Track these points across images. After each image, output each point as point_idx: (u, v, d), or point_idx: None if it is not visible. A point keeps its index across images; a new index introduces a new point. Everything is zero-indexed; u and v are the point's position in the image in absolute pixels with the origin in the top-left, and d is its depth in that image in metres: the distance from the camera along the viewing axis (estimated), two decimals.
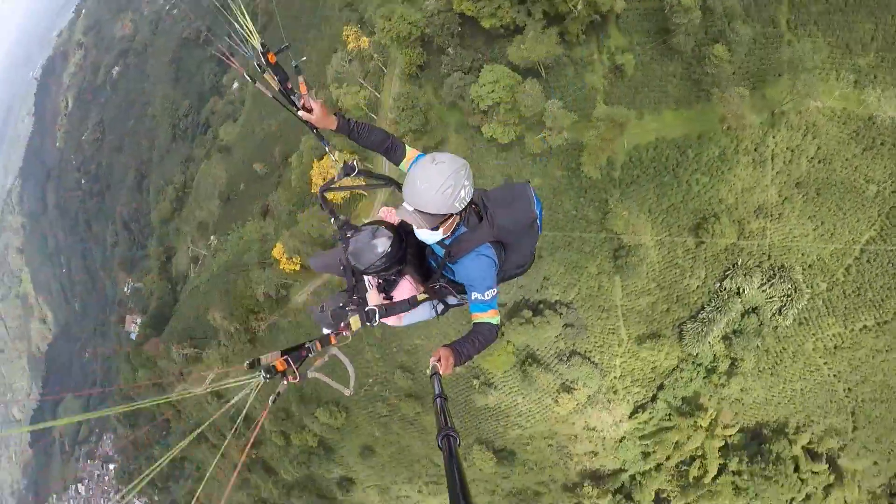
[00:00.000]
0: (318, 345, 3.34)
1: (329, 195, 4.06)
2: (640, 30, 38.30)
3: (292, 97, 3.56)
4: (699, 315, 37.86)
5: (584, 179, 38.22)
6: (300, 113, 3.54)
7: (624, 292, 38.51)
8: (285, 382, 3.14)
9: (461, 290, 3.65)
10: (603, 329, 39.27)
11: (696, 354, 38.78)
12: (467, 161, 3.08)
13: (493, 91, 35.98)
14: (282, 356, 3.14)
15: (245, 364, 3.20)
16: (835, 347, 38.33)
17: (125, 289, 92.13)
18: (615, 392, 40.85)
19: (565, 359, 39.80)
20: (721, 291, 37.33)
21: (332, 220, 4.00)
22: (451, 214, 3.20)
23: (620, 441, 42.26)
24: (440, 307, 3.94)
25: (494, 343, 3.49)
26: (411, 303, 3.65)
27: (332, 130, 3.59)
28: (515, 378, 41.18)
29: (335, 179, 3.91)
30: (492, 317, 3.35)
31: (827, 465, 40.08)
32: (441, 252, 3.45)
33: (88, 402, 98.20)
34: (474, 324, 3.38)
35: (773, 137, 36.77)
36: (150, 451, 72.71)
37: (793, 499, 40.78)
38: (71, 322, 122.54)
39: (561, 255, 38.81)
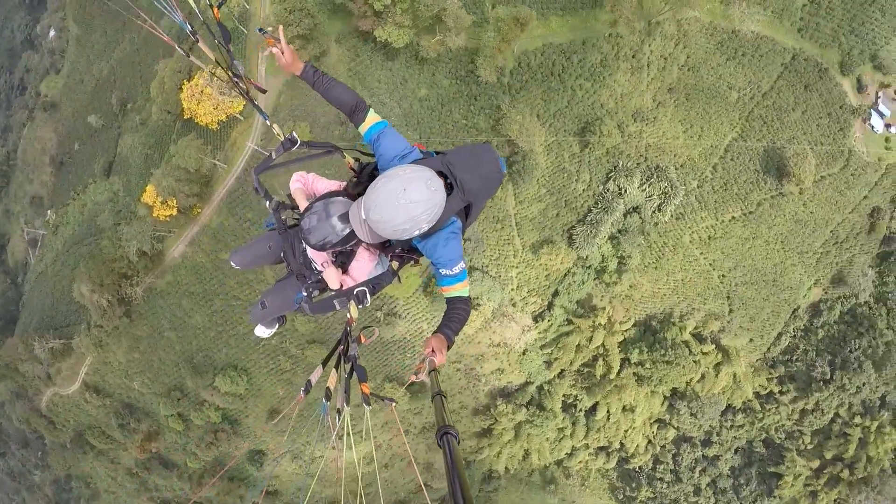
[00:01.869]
0: (361, 338, 3.45)
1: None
2: None
3: (234, 62, 3.58)
4: (587, 217, 41.13)
5: (474, 87, 39.18)
6: (236, 81, 3.62)
7: (516, 200, 40.51)
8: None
9: (420, 254, 3.70)
10: (498, 240, 41.24)
11: (587, 257, 42.29)
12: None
13: None
14: (325, 367, 3.23)
15: (301, 393, 3.21)
16: (709, 238, 43.69)
17: None
18: (514, 304, 43.41)
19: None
20: (605, 193, 40.63)
21: (267, 202, 3.90)
22: None
23: (523, 354, 45.20)
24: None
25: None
26: (394, 273, 3.76)
27: (297, 76, 3.59)
28: (420, 303, 41.94)
29: (272, 156, 3.80)
30: (462, 289, 3.48)
31: (713, 346, 46.27)
32: None
33: None
34: (448, 300, 3.49)
35: (649, 46, 40.19)
36: (30, 478, 64.33)
37: (691, 379, 46.77)
38: None
39: None
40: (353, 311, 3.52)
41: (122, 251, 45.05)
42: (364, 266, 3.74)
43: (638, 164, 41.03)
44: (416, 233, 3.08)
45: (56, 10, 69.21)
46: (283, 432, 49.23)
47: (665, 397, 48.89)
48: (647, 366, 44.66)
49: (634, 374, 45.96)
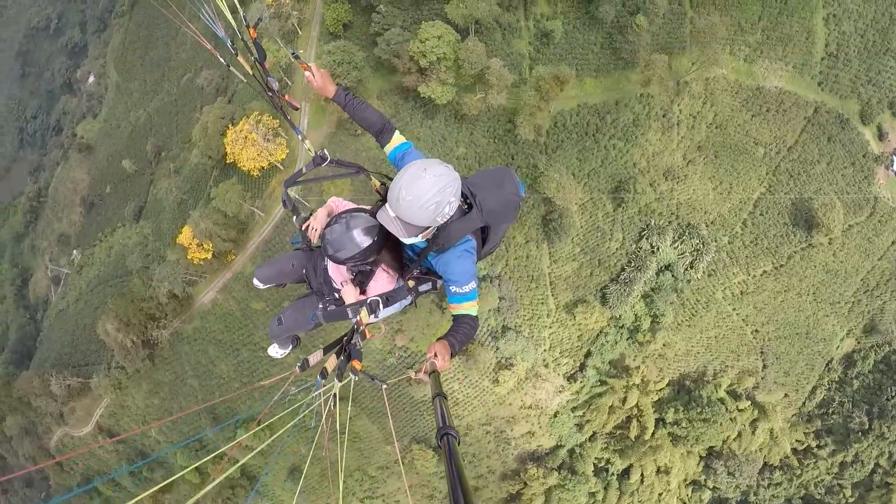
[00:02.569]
0: (366, 333, 3.51)
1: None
2: None
3: (269, 77, 3.67)
4: (620, 276, 41.36)
5: (511, 146, 40.22)
6: (271, 95, 3.74)
7: (551, 259, 40.96)
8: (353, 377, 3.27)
9: (437, 276, 3.75)
10: (532, 300, 41.40)
11: (619, 316, 42.28)
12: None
13: (437, 46, 36.42)
14: (326, 353, 3.30)
15: (296, 368, 3.38)
16: (741, 293, 43.88)
17: None
18: (546, 365, 43.18)
19: (498, 336, 41.28)
20: (638, 251, 41.10)
21: (295, 217, 4.00)
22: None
23: (555, 416, 44.63)
24: (413, 295, 3.98)
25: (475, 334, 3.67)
26: (410, 290, 3.73)
27: (329, 99, 3.72)
28: (452, 361, 41.75)
29: (302, 171, 3.90)
30: (470, 308, 3.47)
31: (749, 402, 45.87)
32: (423, 242, 3.48)
33: None
34: (455, 317, 3.49)
35: (678, 105, 41.47)
36: None
37: (728, 437, 46.16)
38: None
39: None
40: (364, 315, 3.56)
41: (153, 291, 44.84)
42: (382, 286, 3.78)
43: (669, 222, 41.65)
44: (447, 210, 3.11)
45: (97, 58, 72.14)
46: (303, 492, 48.29)
47: (701, 457, 48.05)
48: (684, 425, 44.13)
49: (669, 434, 45.31)
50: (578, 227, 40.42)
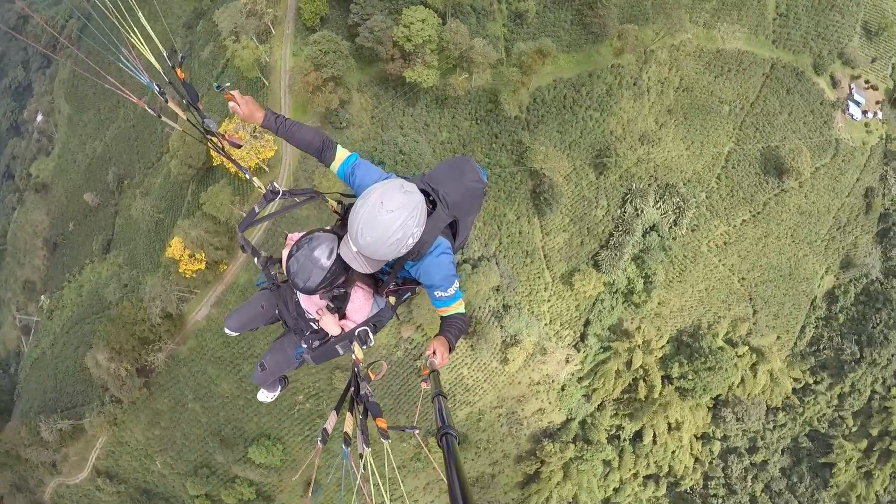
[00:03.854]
0: (370, 375, 3.43)
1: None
2: None
3: (205, 120, 3.55)
4: (609, 242, 43.47)
5: (494, 125, 41.90)
6: (209, 137, 3.64)
7: (543, 232, 42.70)
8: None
9: (415, 282, 3.66)
10: (529, 275, 43.06)
11: (613, 281, 44.39)
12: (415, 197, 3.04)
13: (422, 30, 37.73)
14: (339, 412, 3.16)
15: (318, 443, 3.19)
16: (724, 244, 46.63)
17: None
18: (548, 339, 44.77)
19: (501, 315, 42.70)
20: (624, 215, 43.29)
21: (255, 259, 3.87)
22: None
23: (562, 389, 46.27)
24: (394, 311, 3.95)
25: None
26: (393, 309, 3.71)
27: (259, 125, 3.57)
28: (459, 346, 42.74)
29: (255, 210, 3.77)
30: (458, 308, 3.46)
31: (746, 348, 48.48)
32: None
33: None
34: (444, 318, 3.48)
35: (647, 73, 43.96)
36: None
37: (732, 383, 48.65)
38: None
39: None
40: (358, 351, 3.45)
41: (144, 314, 43.04)
42: (361, 306, 3.64)
43: (650, 184, 44.02)
44: (411, 241, 3.03)
45: (44, 94, 70.38)
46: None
47: (708, 409, 50.53)
48: (690, 377, 46.34)
49: (677, 388, 47.51)
50: (567, 197, 42.25)
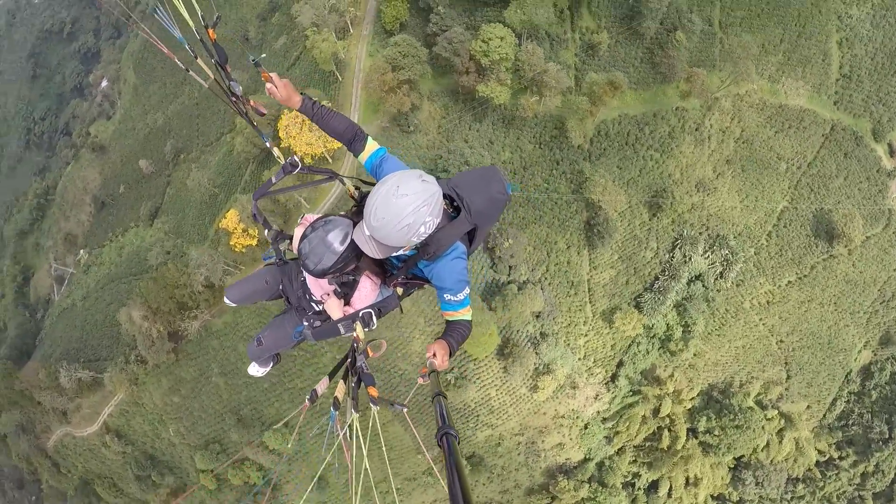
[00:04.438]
0: (369, 352, 3.48)
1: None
2: (608, 14, 44.99)
3: (231, 82, 3.56)
4: (654, 285, 43.53)
5: (557, 152, 42.53)
6: (234, 101, 3.65)
7: (591, 266, 42.97)
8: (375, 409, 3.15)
9: (424, 280, 3.68)
10: (571, 307, 43.23)
11: (651, 326, 44.32)
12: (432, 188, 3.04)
13: (499, 47, 38.66)
14: (333, 379, 3.22)
15: (306, 400, 3.28)
16: (767, 303, 46.44)
17: None
18: (580, 374, 44.72)
19: (538, 342, 42.85)
20: (672, 260, 43.42)
21: (266, 231, 3.90)
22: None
23: (585, 428, 46.00)
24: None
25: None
26: (400, 297, 3.71)
27: (295, 110, 3.61)
28: (492, 368, 43.15)
29: (272, 181, 3.77)
30: (465, 314, 3.51)
31: (776, 412, 47.88)
32: (410, 251, 3.39)
33: None
34: (449, 322, 3.51)
35: (709, 120, 44.56)
36: None
37: (757, 446, 47.97)
38: None
39: (531, 230, 42.43)
40: (360, 331, 3.47)
41: (188, 279, 43.33)
42: (367, 296, 3.67)
43: (700, 232, 44.21)
44: (423, 230, 3.03)
45: (111, 62, 73.56)
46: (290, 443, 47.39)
47: (730, 468, 49.77)
48: (717, 432, 45.88)
49: (701, 443, 47.02)
50: (619, 233, 42.60)
